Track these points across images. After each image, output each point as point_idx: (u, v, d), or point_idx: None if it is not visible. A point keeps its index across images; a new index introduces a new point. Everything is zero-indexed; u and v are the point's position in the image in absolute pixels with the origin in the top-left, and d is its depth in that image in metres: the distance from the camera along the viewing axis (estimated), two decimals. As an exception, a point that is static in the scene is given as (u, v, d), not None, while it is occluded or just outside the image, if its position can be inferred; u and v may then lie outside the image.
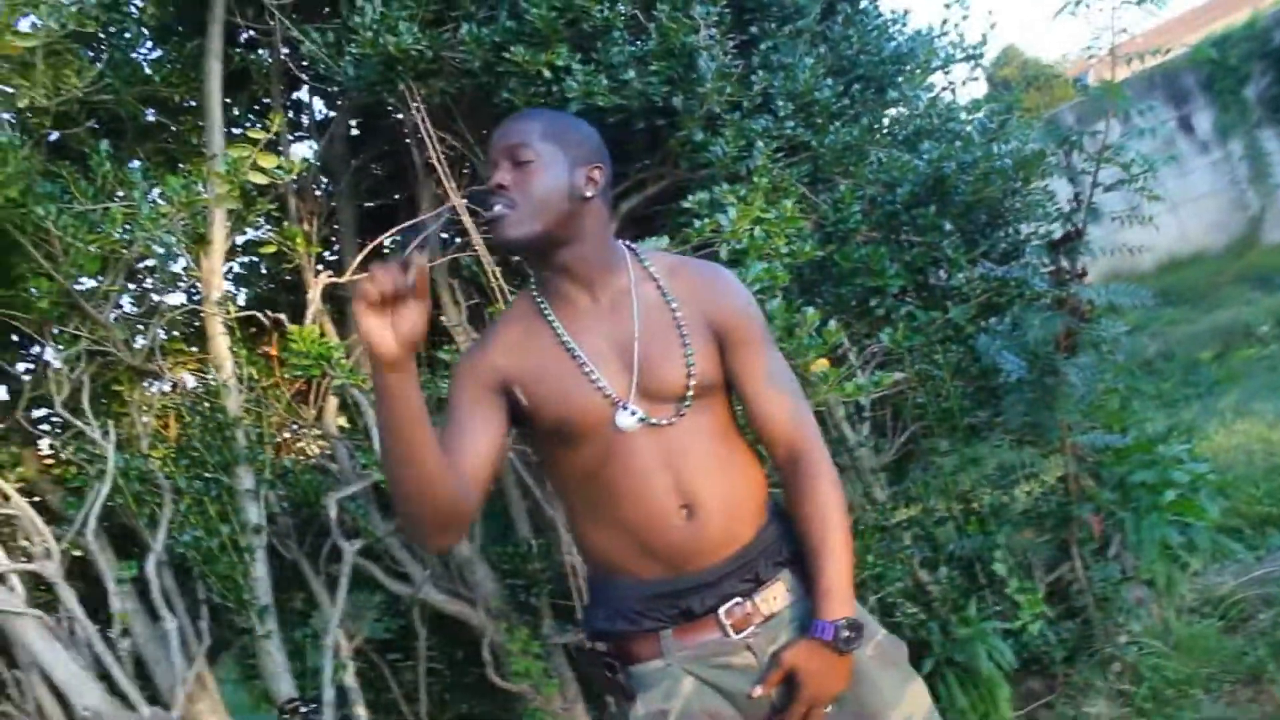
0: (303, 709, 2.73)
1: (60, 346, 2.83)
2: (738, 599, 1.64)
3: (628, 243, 1.78)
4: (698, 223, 2.64)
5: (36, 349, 3.10)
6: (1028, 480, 3.54)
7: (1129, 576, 3.35)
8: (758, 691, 1.62)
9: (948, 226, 3.26)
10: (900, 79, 3.51)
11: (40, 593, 2.79)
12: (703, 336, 1.67)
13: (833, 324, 2.56)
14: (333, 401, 3.25)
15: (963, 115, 3.81)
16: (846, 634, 1.60)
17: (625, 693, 1.68)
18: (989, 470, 3.60)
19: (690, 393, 1.63)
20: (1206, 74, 10.17)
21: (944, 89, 3.79)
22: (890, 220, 3.32)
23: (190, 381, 3.38)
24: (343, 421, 3.40)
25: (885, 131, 3.53)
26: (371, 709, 3.29)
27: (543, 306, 1.68)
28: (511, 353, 1.66)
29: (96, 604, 2.84)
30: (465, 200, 2.84)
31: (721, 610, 1.64)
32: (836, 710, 1.64)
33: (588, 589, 1.78)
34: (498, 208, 1.61)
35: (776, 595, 1.67)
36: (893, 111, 3.60)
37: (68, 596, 2.70)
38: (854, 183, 3.22)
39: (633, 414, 1.61)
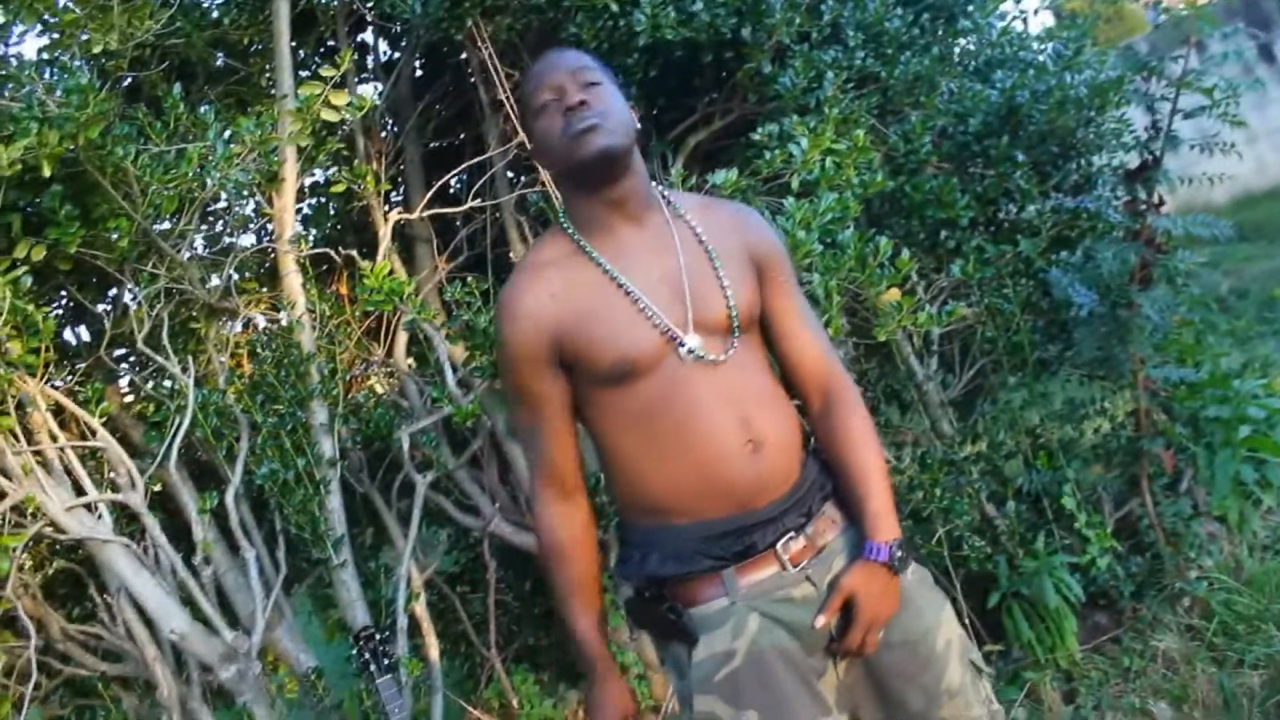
0: (377, 636, 2.80)
1: (139, 286, 2.89)
2: (792, 533, 1.66)
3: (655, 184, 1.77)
4: (768, 154, 2.62)
5: (114, 291, 3.17)
6: (1098, 416, 3.50)
7: (1200, 512, 3.32)
8: (821, 622, 1.64)
9: (1020, 158, 3.21)
10: (971, 8, 3.44)
11: (126, 524, 2.88)
12: (743, 270, 1.68)
13: (905, 254, 2.54)
14: (403, 337, 3.29)
15: (1034, 45, 3.73)
16: (900, 554, 1.63)
17: (688, 636, 1.67)
18: (1057, 405, 3.57)
19: (739, 324, 1.64)
20: (1290, -2, 9.78)
21: (1014, 18, 3.70)
22: (961, 151, 3.27)
23: (262, 321, 3.45)
24: (411, 361, 3.45)
25: (956, 62, 3.46)
26: (441, 639, 3.37)
27: (583, 244, 1.65)
28: (557, 300, 1.63)
29: (178, 536, 2.92)
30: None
31: (779, 545, 1.65)
32: (885, 629, 1.66)
33: (634, 537, 1.74)
34: (589, 119, 1.59)
35: (825, 528, 1.69)
36: (963, 41, 3.53)
37: (152, 525, 2.78)
38: (925, 114, 3.18)
39: (691, 349, 1.61)
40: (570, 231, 1.67)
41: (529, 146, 1.69)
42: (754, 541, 1.64)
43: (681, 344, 1.61)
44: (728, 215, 1.75)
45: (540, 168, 1.73)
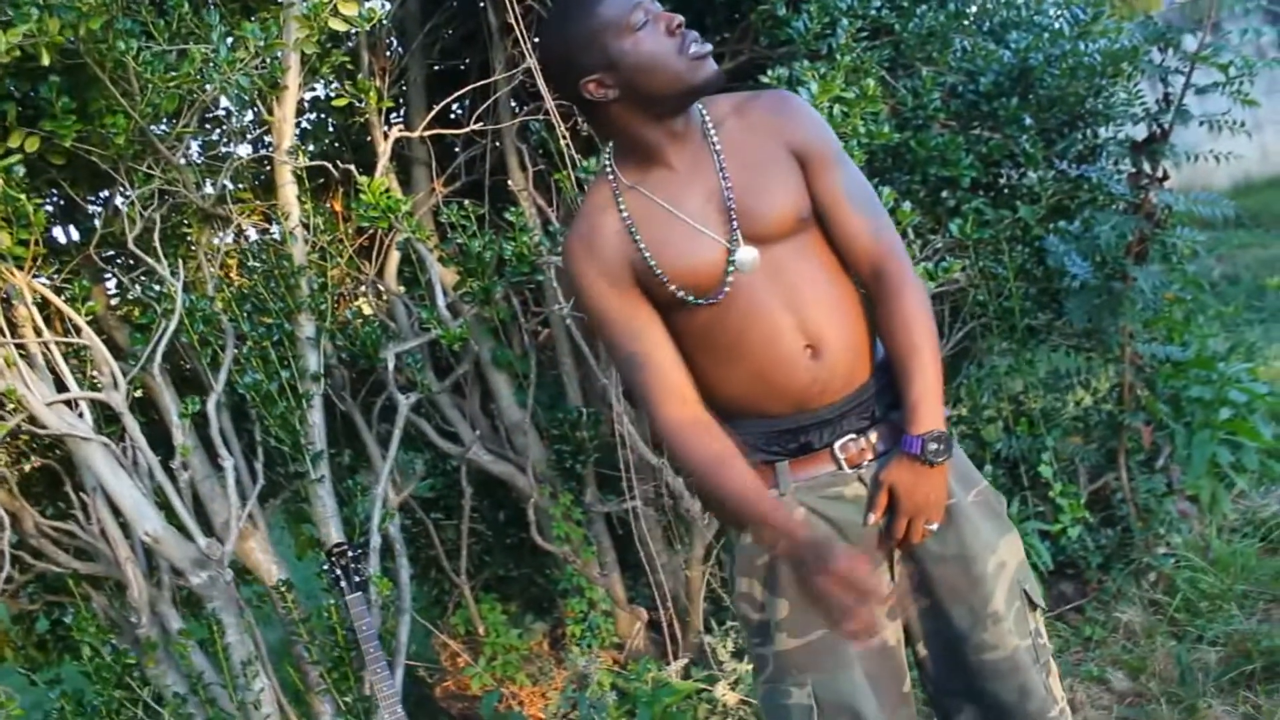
0: (349, 553, 2.81)
1: (133, 186, 2.85)
2: (853, 435, 1.68)
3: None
4: (775, 98, 2.60)
5: (106, 192, 3.14)
6: (1081, 387, 3.53)
7: (1174, 490, 3.35)
8: (872, 520, 1.67)
9: (1028, 121, 3.19)
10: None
11: (106, 424, 2.87)
12: (786, 166, 1.67)
13: (907, 205, 2.53)
14: (394, 257, 3.27)
15: (1051, 12, 3.69)
16: (933, 446, 1.62)
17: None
18: (1042, 374, 3.59)
19: (786, 229, 1.65)
20: (1307, -15, 9.68)
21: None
22: (970, 110, 3.24)
23: (253, 234, 3.42)
24: (401, 288, 3.43)
25: (971, 20, 3.42)
26: (411, 563, 3.39)
27: (616, 191, 1.69)
28: (620, 237, 1.67)
29: (156, 443, 2.91)
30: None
31: (837, 445, 1.68)
32: (941, 542, 1.69)
33: None
34: (706, 44, 1.60)
35: (888, 433, 1.70)
36: (980, -1, 3.49)
37: (132, 425, 2.78)
38: (935, 70, 3.15)
39: (743, 262, 1.63)
40: (611, 176, 1.70)
41: (605, 65, 1.58)
42: (810, 440, 1.68)
43: (734, 259, 1.63)
44: (763, 112, 1.72)
45: (586, 91, 1.64)
